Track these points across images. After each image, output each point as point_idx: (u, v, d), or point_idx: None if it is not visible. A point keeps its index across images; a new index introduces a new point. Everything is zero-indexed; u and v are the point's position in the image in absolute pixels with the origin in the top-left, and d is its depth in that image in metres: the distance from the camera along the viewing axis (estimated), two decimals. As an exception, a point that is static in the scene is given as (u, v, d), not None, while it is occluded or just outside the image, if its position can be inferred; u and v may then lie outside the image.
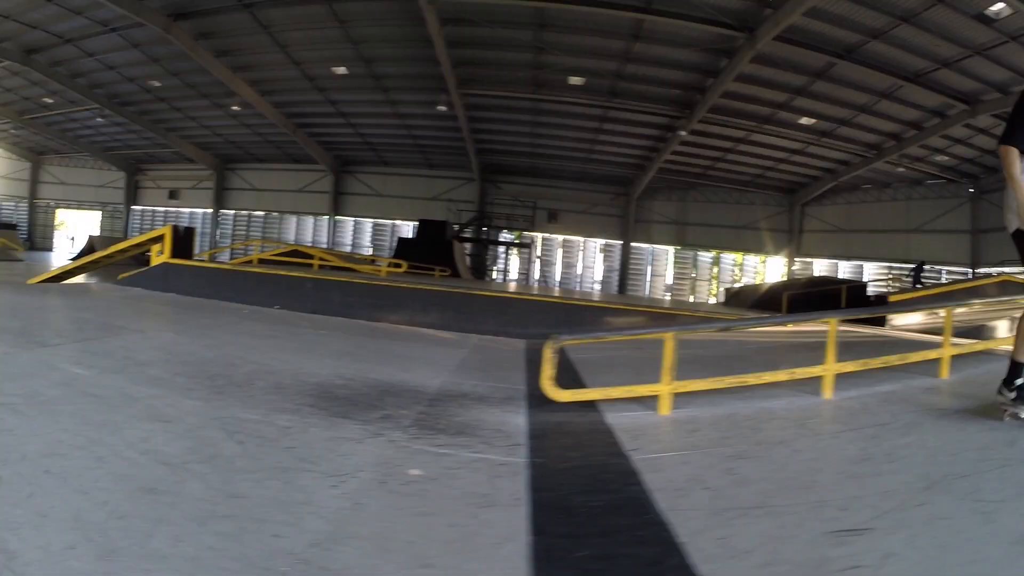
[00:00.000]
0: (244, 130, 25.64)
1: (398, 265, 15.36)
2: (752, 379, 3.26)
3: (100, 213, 34.00)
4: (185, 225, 14.75)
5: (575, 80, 16.81)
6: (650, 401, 3.15)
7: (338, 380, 3.64)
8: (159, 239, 7.58)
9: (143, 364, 3.52)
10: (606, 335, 5.19)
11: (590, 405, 3.25)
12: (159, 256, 7.44)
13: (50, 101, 24.25)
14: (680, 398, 3.12)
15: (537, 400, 3.35)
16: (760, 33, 13.10)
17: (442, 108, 18.51)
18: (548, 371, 3.16)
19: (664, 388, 3.01)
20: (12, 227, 30.85)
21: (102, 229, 33.29)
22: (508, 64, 16.38)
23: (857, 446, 2.55)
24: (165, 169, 32.47)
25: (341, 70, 17.00)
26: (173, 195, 32.43)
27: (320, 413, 2.84)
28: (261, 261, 14.65)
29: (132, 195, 33.32)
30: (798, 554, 1.57)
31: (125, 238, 30.98)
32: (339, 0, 14.47)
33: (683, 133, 18.44)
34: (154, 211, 33.40)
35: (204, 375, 3.41)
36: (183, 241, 7.68)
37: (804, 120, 18.09)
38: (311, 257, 13.76)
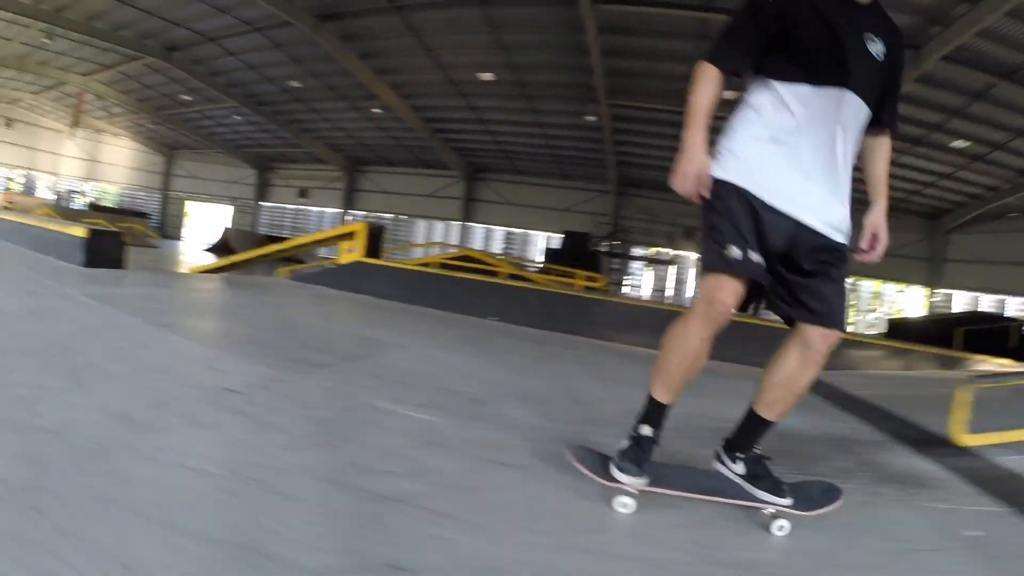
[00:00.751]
0: (378, 133, 25.99)
1: (569, 275, 14.53)
2: None
3: (231, 208, 36.02)
4: (376, 223, 14.63)
5: (729, 94, 15.42)
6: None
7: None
8: (349, 235, 7.17)
9: (480, 401, 2.79)
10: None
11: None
12: (349, 254, 7.02)
13: (187, 98, 25.72)
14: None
15: (912, 441, 2.95)
16: (926, 52, 12.03)
17: (591, 119, 17.81)
18: (961, 415, 2.87)
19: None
20: (145, 216, 33.31)
21: (234, 223, 34.89)
22: (661, 75, 15.43)
23: None
24: (295, 168, 33.55)
25: (487, 76, 16.66)
26: (303, 194, 33.39)
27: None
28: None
29: (262, 191, 34.95)
30: None
31: (254, 233, 33.05)
32: (494, 5, 14.07)
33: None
34: (284, 208, 34.79)
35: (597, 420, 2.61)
36: (374, 240, 7.23)
37: (957, 143, 16.39)
38: (477, 262, 13.23)
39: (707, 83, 1.66)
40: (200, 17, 17.32)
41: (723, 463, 1.68)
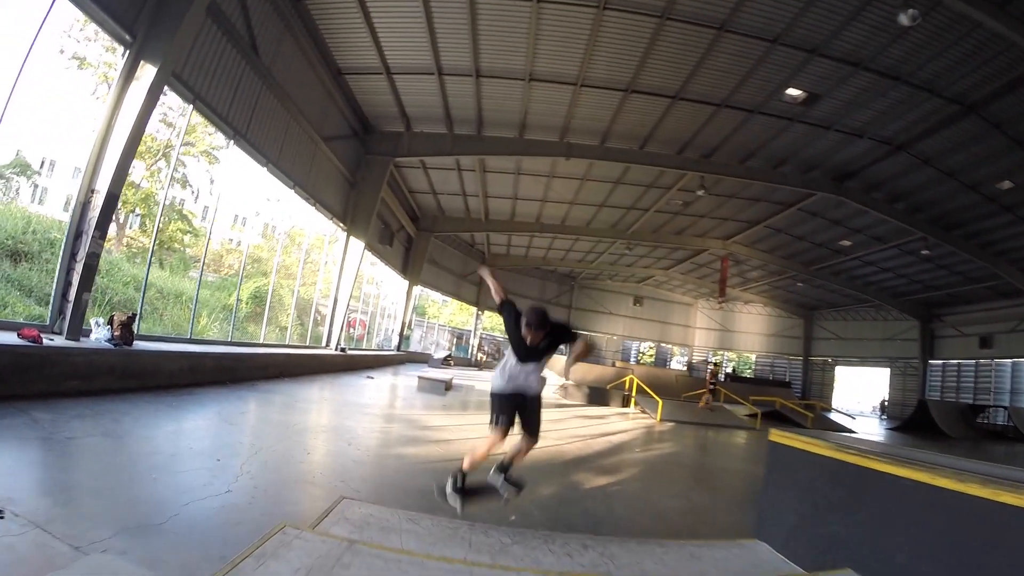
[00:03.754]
0: None
1: None
2: None
3: (887, 369, 28.79)
4: None
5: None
6: None
7: None
8: None
9: None
10: None
11: None
12: None
13: (847, 243, 21.11)
14: None
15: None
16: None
17: None
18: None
19: None
20: (787, 385, 29.71)
21: (892, 387, 28.34)
22: None
23: None
24: (971, 311, 24.62)
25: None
26: (985, 343, 23.90)
27: None
28: None
29: (928, 347, 26.32)
30: None
31: (925, 397, 24.68)
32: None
33: None
34: (959, 364, 25.50)
35: None
36: None
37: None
38: None
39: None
40: (877, 122, 12.68)
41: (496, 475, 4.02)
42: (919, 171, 14.47)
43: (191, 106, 8.20)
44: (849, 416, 23.10)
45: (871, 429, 19.90)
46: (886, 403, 29.37)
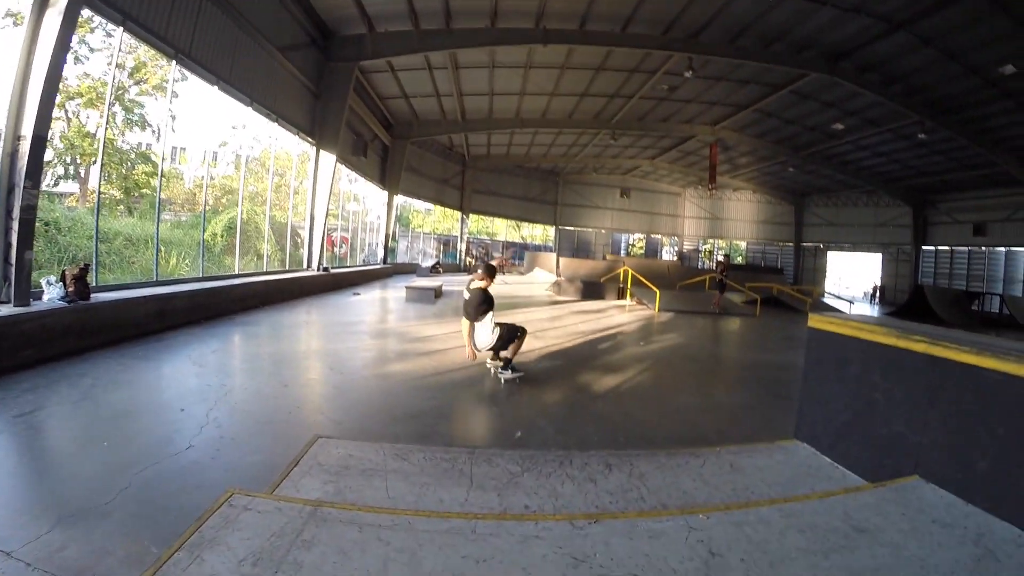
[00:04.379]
0: None
1: None
2: None
3: (880, 255, 29.06)
4: None
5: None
6: None
7: None
8: None
9: None
10: None
11: None
12: None
13: (840, 127, 20.28)
14: None
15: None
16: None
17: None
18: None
19: None
20: (779, 271, 30.05)
21: (884, 273, 28.88)
22: None
23: None
24: (965, 198, 24.42)
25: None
26: (979, 230, 23.91)
27: None
28: None
29: (921, 233, 26.35)
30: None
31: (917, 283, 25.23)
32: None
33: None
34: (952, 251, 25.74)
35: None
36: None
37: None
38: None
39: None
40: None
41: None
42: (918, 52, 13.56)
43: (121, 28, 7.45)
44: (847, 301, 23.46)
45: (866, 314, 20.20)
46: (878, 288, 29.85)
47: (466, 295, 5.73)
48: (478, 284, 5.70)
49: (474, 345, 5.66)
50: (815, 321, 3.79)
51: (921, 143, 19.67)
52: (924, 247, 26.54)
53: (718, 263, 17.10)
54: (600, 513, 2.68)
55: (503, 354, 5.72)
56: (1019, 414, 2.40)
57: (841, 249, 31.45)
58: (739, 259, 35.25)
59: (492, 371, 5.86)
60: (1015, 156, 18.82)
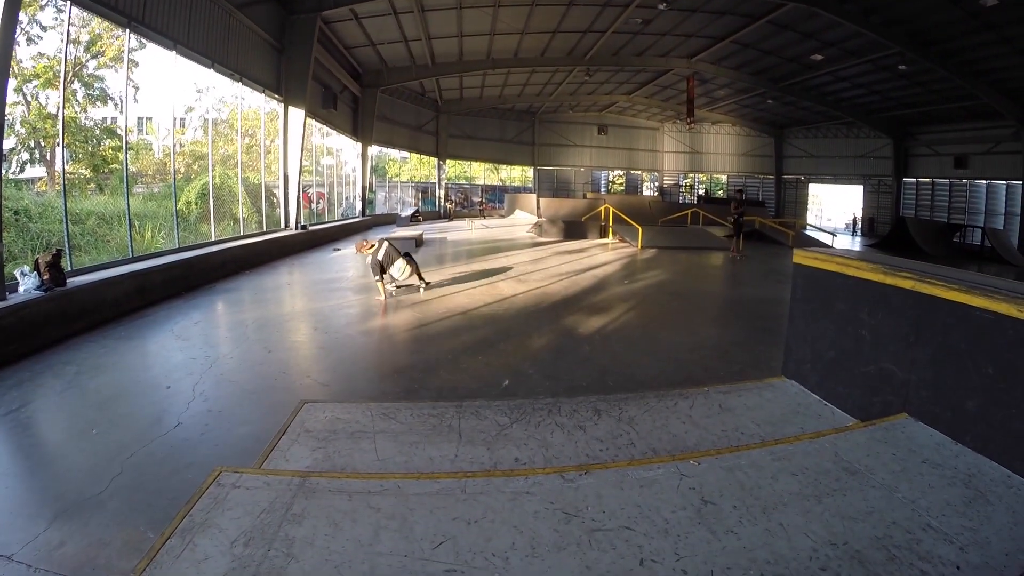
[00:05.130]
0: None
1: None
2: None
3: (861, 187, 29.23)
4: None
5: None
6: None
7: None
8: None
9: None
10: None
11: None
12: None
13: (818, 58, 19.91)
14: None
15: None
16: None
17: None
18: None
19: None
20: (762, 204, 30.23)
21: (866, 204, 29.13)
22: None
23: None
24: (946, 131, 24.34)
25: None
26: (960, 163, 23.97)
27: None
28: None
29: (902, 165, 26.46)
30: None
31: (899, 215, 25.41)
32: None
33: None
34: (933, 183, 25.88)
35: None
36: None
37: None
38: None
39: None
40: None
41: None
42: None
43: (70, 1, 7.17)
44: (830, 233, 23.68)
45: (847, 246, 20.60)
46: (858, 219, 30.14)
47: (368, 261, 7.62)
48: (367, 253, 7.62)
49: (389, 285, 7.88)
50: (800, 257, 3.72)
51: (901, 74, 19.47)
52: (905, 179, 26.71)
53: (732, 200, 15.46)
54: (590, 464, 2.64)
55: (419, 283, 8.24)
56: (1009, 353, 2.35)
57: (823, 181, 31.58)
58: (719, 193, 35.28)
59: (420, 291, 8.18)
60: (996, 89, 18.74)
